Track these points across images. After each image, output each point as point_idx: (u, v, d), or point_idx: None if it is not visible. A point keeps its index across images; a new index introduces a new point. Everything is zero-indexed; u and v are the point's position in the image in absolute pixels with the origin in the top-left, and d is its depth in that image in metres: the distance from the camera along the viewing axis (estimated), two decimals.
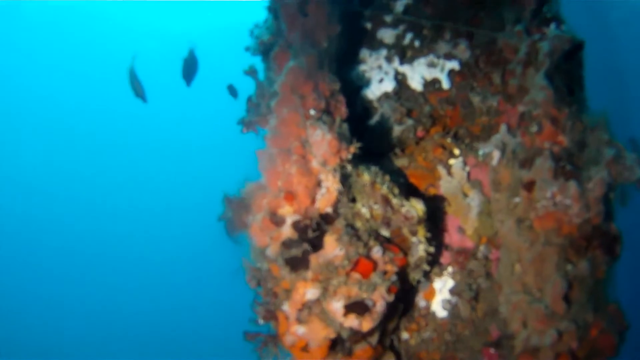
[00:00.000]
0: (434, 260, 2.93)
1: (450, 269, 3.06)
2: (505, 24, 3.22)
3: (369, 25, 3.48)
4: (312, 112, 2.61)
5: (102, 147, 32.48)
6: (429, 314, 3.04)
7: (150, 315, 26.57)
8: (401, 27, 3.45)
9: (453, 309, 3.01)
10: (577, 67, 3.02)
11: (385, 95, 3.34)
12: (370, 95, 3.37)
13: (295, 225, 2.46)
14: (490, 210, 2.99)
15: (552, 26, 2.94)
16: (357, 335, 2.56)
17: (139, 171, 32.85)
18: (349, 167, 2.61)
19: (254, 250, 2.64)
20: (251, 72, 3.29)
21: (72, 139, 31.79)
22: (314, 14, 2.90)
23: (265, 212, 2.50)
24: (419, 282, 2.82)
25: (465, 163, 3.13)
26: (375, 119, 3.27)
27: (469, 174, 3.12)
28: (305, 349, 2.50)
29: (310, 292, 2.43)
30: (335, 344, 2.56)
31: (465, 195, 3.08)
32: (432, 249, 2.71)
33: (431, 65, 3.40)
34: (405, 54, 3.44)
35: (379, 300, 2.43)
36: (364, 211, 2.66)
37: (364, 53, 3.46)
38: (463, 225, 3.07)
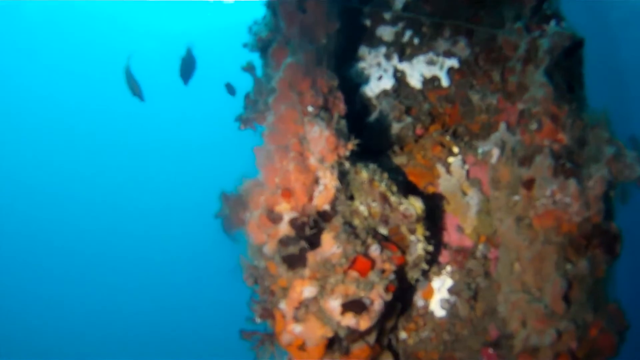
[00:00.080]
0: (432, 259, 2.91)
1: (448, 268, 3.04)
2: (505, 21, 3.20)
3: (368, 23, 3.46)
4: (310, 108, 2.59)
5: (101, 147, 32.48)
6: (428, 314, 3.02)
7: (149, 315, 26.57)
8: (400, 25, 3.43)
9: (452, 309, 2.99)
10: (577, 64, 3.00)
11: (384, 93, 3.32)
12: (369, 93, 3.35)
13: (293, 222, 2.44)
14: (490, 209, 2.97)
15: (552, 23, 2.92)
16: (355, 334, 2.54)
17: (138, 170, 32.86)
18: (347, 164, 2.58)
19: (251, 247, 2.62)
20: (249, 68, 3.27)
21: (72, 139, 31.80)
22: (312, 11, 2.88)
23: (263, 209, 2.48)
24: (417, 281, 2.80)
25: (464, 161, 3.11)
26: (374, 116, 3.25)
27: (468, 172, 3.10)
28: (302, 347, 2.47)
29: (308, 290, 2.41)
30: (332, 343, 2.54)
31: (464, 193, 3.06)
32: (430, 248, 2.69)
33: (430, 62, 3.38)
34: (404, 52, 3.42)
35: (377, 299, 2.41)
36: (362, 209, 2.64)
37: (363, 50, 3.44)
38: (462, 224, 3.04)
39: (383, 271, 2.47)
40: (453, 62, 3.34)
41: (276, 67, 2.80)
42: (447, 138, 3.19)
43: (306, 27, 2.85)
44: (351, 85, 3.34)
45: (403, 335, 3.00)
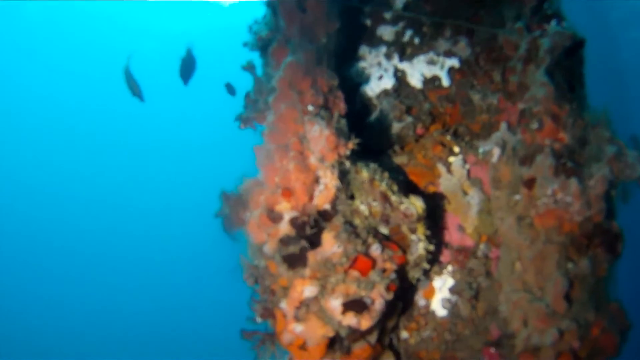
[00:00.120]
0: (433, 259, 2.90)
1: (450, 267, 3.03)
2: (506, 21, 3.20)
3: (368, 22, 3.46)
4: (310, 107, 2.58)
5: (100, 146, 32.48)
6: (429, 313, 3.02)
7: (149, 315, 26.56)
8: (401, 24, 3.43)
9: (453, 308, 2.98)
10: (577, 64, 3.00)
11: (385, 93, 3.32)
12: (369, 92, 3.34)
13: (293, 221, 2.43)
14: (491, 209, 2.96)
15: (553, 23, 2.92)
16: (356, 334, 2.54)
17: (138, 170, 32.86)
18: (348, 164, 2.58)
19: (251, 247, 2.61)
20: (249, 67, 3.26)
21: (72, 139, 31.79)
22: (312, 10, 2.87)
23: (263, 208, 2.47)
24: (418, 280, 2.79)
25: (465, 161, 3.10)
26: (374, 116, 3.25)
27: (468, 171, 3.09)
28: (303, 347, 2.47)
29: (308, 290, 2.40)
30: (333, 343, 2.53)
31: (465, 193, 3.06)
32: (432, 247, 2.69)
33: (431, 62, 3.37)
34: (405, 51, 3.41)
35: (378, 298, 2.40)
36: (363, 208, 2.63)
37: (364, 50, 3.43)
38: (463, 223, 3.04)
39: (384, 270, 2.46)
40: (454, 62, 3.34)
41: (276, 66, 2.80)
42: (448, 138, 3.18)
43: (306, 26, 2.85)
44: (352, 84, 3.34)
45: (404, 334, 3.00)
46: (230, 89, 6.93)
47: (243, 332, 2.70)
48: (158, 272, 28.78)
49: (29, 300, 26.68)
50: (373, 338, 2.64)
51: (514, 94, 2.99)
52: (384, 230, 2.65)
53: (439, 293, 3.01)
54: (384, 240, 2.58)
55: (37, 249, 29.17)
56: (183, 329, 26.07)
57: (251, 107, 3.23)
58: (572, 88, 2.85)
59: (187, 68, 6.84)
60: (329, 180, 2.50)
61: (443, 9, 3.34)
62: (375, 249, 2.47)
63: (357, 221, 2.59)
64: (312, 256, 2.42)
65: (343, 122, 2.59)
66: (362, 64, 3.40)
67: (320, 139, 2.46)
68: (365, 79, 3.36)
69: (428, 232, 2.69)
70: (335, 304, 2.38)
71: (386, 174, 2.72)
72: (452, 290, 3.00)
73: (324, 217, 2.52)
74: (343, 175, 2.57)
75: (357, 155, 2.69)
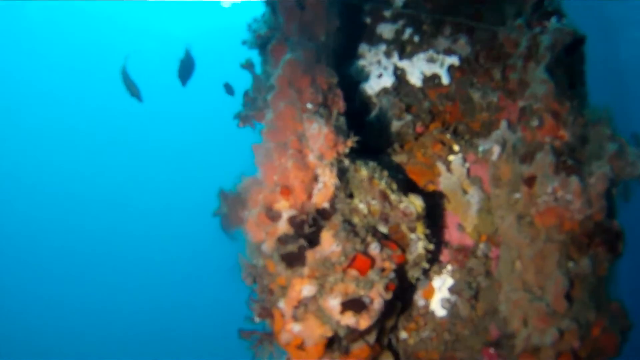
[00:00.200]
0: (433, 258, 2.88)
1: (449, 267, 3.01)
2: (506, 18, 3.18)
3: (368, 20, 3.44)
4: (309, 105, 2.56)
5: (100, 146, 32.49)
6: (428, 313, 2.99)
7: (149, 314, 26.55)
8: (400, 22, 3.42)
9: (452, 308, 2.96)
10: (578, 61, 2.98)
11: (384, 91, 3.30)
12: (369, 91, 3.32)
13: (291, 220, 2.41)
14: (490, 207, 2.94)
15: (554, 20, 2.90)
16: (354, 334, 2.51)
17: (137, 170, 32.85)
18: (347, 162, 2.56)
19: (249, 246, 2.59)
20: (248, 65, 3.25)
21: (71, 138, 31.80)
22: (311, 8, 2.86)
23: (261, 207, 2.46)
24: (417, 280, 2.77)
25: (465, 159, 3.08)
26: (373, 114, 3.23)
27: (468, 170, 3.07)
28: (301, 347, 2.45)
29: (307, 289, 2.38)
30: (331, 343, 2.51)
31: (465, 192, 3.04)
32: (431, 246, 2.66)
33: (431, 60, 3.36)
34: (404, 49, 3.40)
35: (377, 297, 2.38)
36: (362, 207, 2.61)
37: (363, 48, 3.42)
38: (463, 222, 3.02)
39: (383, 270, 2.44)
40: (453, 60, 3.32)
41: (275, 64, 2.78)
42: (448, 136, 3.16)
43: (305, 24, 2.83)
44: (351, 83, 3.32)
45: (403, 335, 2.98)
46: (229, 89, 6.92)
47: (241, 331, 2.69)
48: (157, 271, 28.76)
49: (28, 300, 26.67)
50: (372, 338, 2.61)
51: (514, 92, 2.97)
52: (383, 229, 2.63)
53: (439, 293, 2.99)
54: (383, 239, 2.56)
55: (36, 248, 29.16)
56: (182, 328, 26.05)
57: (250, 105, 3.22)
58: (573, 86, 2.83)
59: (186, 69, 6.83)
60: (327, 179, 2.48)
61: (443, 7, 3.33)
62: (374, 248, 2.45)
63: (356, 220, 2.57)
64: (311, 255, 2.40)
65: (342, 120, 2.57)
66: (361, 62, 3.38)
67: (319, 137, 2.44)
68: (365, 77, 3.34)
69: (427, 231, 2.67)
70: (333, 303, 2.36)
71: (385, 173, 2.70)
72: (452, 290, 2.97)
73: (322, 215, 2.50)
74: (342, 174, 2.56)
75: (357, 154, 2.67)
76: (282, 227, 2.43)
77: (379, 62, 3.37)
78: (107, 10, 26.23)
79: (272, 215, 2.44)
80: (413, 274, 2.70)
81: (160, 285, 27.92)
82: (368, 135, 3.07)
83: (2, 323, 24.58)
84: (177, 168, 33.36)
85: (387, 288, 2.41)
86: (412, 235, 2.63)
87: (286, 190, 2.44)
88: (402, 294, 2.84)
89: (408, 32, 3.40)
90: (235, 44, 3.80)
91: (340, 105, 2.69)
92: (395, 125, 3.16)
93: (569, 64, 2.86)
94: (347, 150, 2.52)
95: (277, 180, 2.47)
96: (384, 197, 2.60)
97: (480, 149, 3.09)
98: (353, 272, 2.39)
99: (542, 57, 2.72)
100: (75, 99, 31.35)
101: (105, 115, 31.54)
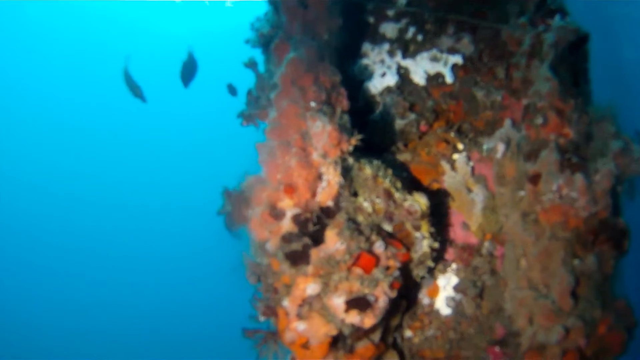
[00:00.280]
0: (438, 257, 2.87)
1: (454, 265, 3.00)
2: (509, 17, 3.18)
3: (371, 19, 3.44)
4: (312, 104, 2.56)
5: (102, 146, 32.53)
6: (433, 312, 2.99)
7: (151, 314, 26.55)
8: (404, 21, 3.41)
9: (457, 307, 2.95)
10: (582, 59, 2.98)
11: (388, 90, 3.30)
12: (372, 90, 3.32)
13: (296, 218, 2.41)
14: (495, 206, 2.93)
15: (557, 17, 2.89)
16: (359, 332, 2.50)
17: (139, 170, 32.88)
18: (351, 160, 2.55)
19: (253, 245, 2.59)
20: (251, 64, 3.25)
21: (73, 139, 31.84)
22: (314, 6, 2.86)
23: (265, 205, 2.45)
24: (422, 278, 2.76)
25: (469, 158, 3.08)
26: (377, 113, 3.22)
27: (473, 169, 3.07)
28: (305, 346, 2.44)
29: (311, 288, 2.38)
30: (336, 341, 2.50)
31: (470, 190, 3.03)
32: (436, 245, 2.65)
33: (434, 59, 3.35)
34: (408, 48, 3.39)
35: (381, 296, 2.37)
36: (366, 205, 2.61)
37: (366, 47, 3.42)
38: (467, 220, 3.01)
39: (387, 268, 2.44)
40: (457, 59, 3.31)
41: (278, 63, 2.78)
42: (452, 135, 3.15)
43: (308, 23, 2.83)
44: (354, 82, 3.32)
45: (408, 333, 2.97)
46: (232, 90, 6.93)
47: (245, 330, 2.68)
48: (160, 270, 28.78)
49: (29, 300, 26.68)
50: (376, 337, 2.61)
51: (518, 91, 2.97)
52: (387, 227, 2.62)
53: (443, 291, 2.99)
54: (388, 237, 2.55)
55: (37, 248, 29.20)
56: (185, 327, 26.03)
57: (253, 104, 3.22)
58: (577, 84, 2.83)
59: (188, 71, 6.84)
60: (331, 177, 2.48)
61: (446, 5, 3.33)
62: (379, 246, 2.44)
63: (360, 218, 2.57)
64: (315, 253, 2.39)
65: (346, 118, 2.57)
66: (365, 62, 3.38)
67: (323, 135, 2.44)
68: (368, 77, 3.34)
69: (432, 230, 2.66)
70: (338, 301, 2.35)
71: (390, 171, 2.69)
72: (457, 288, 2.97)
73: (326, 214, 2.50)
74: (346, 172, 2.55)
75: (361, 153, 2.66)
76: (286, 225, 2.42)
77: (382, 61, 3.37)
78: (107, 10, 26.30)
79: (276, 214, 2.44)
80: (418, 272, 2.69)
81: (164, 285, 27.94)
82: (372, 134, 3.06)
83: (2, 323, 24.61)
84: (179, 168, 33.38)
85: (391, 286, 2.41)
86: (417, 234, 2.62)
87: (290, 189, 2.44)
88: (407, 293, 2.83)
89: (411, 31, 3.40)
90: (239, 43, 3.80)
91: (344, 103, 2.69)
92: (399, 124, 3.15)
93: (572, 62, 2.86)
94: (351, 148, 2.51)
95: (281, 179, 2.47)
96: (389, 195, 2.60)
97: (485, 147, 3.08)
98: (358, 271, 2.38)
99: (546, 54, 2.71)
100: (78, 100, 31.41)
101: (106, 115, 31.58)
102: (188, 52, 6.80)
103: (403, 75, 3.34)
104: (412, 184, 2.96)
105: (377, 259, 2.42)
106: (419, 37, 3.40)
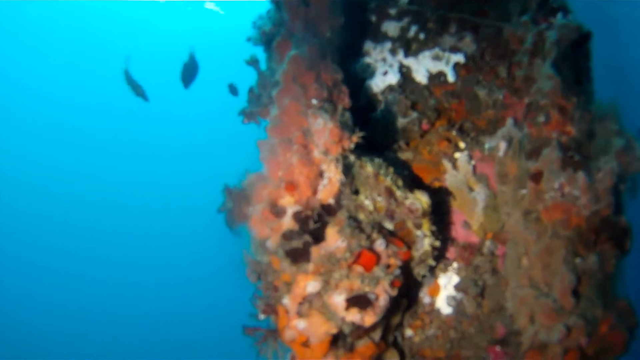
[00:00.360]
0: (439, 255, 2.86)
1: (455, 264, 2.99)
2: (512, 15, 3.17)
3: (373, 18, 3.44)
4: (314, 101, 2.55)
5: (103, 146, 32.55)
6: (434, 311, 2.98)
7: (152, 313, 26.54)
8: (406, 20, 3.41)
9: (458, 306, 2.94)
10: (584, 58, 2.97)
11: (390, 88, 3.29)
12: (374, 88, 3.32)
13: (296, 216, 2.40)
14: (496, 205, 2.92)
15: (559, 16, 2.89)
16: (359, 331, 2.49)
17: (140, 170, 32.91)
18: (352, 158, 2.54)
19: (254, 242, 2.58)
20: (252, 62, 3.24)
21: (74, 139, 31.87)
22: (316, 4, 2.85)
23: (266, 203, 2.44)
24: (423, 277, 2.75)
25: (470, 157, 3.07)
26: (379, 111, 3.22)
27: (474, 167, 3.06)
28: (305, 344, 2.43)
29: (311, 285, 2.36)
30: (336, 340, 2.49)
31: (471, 189, 3.02)
32: (437, 243, 2.64)
33: (436, 58, 3.35)
34: (410, 47, 3.39)
35: (382, 294, 2.36)
36: (367, 203, 2.60)
37: (368, 45, 3.41)
38: (469, 219, 3.00)
39: (388, 266, 2.42)
40: (459, 58, 3.31)
41: (280, 61, 2.77)
42: (454, 133, 3.14)
43: (310, 21, 2.83)
44: (356, 80, 3.31)
45: (409, 332, 2.96)
46: (233, 90, 6.93)
47: (245, 328, 2.67)
48: (160, 270, 28.79)
49: (29, 300, 26.68)
50: (377, 335, 2.60)
51: (520, 90, 2.96)
52: (388, 225, 2.61)
53: (444, 290, 2.98)
54: (389, 235, 2.54)
55: (38, 248, 29.20)
56: (185, 326, 26.02)
57: (255, 101, 3.21)
58: (579, 82, 2.82)
59: (189, 73, 6.83)
60: (333, 174, 2.47)
61: (448, 5, 3.32)
62: (380, 245, 2.43)
63: (361, 216, 2.56)
64: (316, 251, 2.38)
65: (347, 115, 2.56)
66: (366, 60, 3.37)
67: (324, 132, 2.43)
68: (370, 75, 3.34)
69: (434, 228, 2.65)
70: (338, 299, 2.34)
71: (391, 169, 2.68)
72: (458, 287, 2.96)
73: (327, 211, 2.49)
74: (347, 170, 2.54)
75: (362, 151, 2.65)
76: (287, 223, 2.42)
77: (384, 60, 3.36)
78: (107, 11, 26.32)
79: (277, 211, 2.43)
80: (419, 271, 2.68)
81: (164, 283, 27.96)
82: (374, 132, 3.06)
83: (2, 323, 24.60)
84: (179, 168, 33.41)
85: (392, 284, 2.40)
86: (418, 232, 2.61)
87: (291, 186, 2.43)
88: (408, 291, 2.82)
89: (413, 29, 3.39)
90: (240, 43, 3.79)
91: (345, 101, 2.68)
92: (401, 122, 3.15)
93: (575, 60, 2.85)
94: (352, 146, 2.50)
95: (282, 176, 2.46)
96: (390, 193, 2.59)
97: (487, 146, 3.07)
98: (358, 269, 2.37)
99: (548, 52, 2.71)
100: (76, 99, 31.44)
101: (107, 115, 31.62)
102: (189, 54, 6.80)
103: (405, 73, 3.33)
104: (413, 183, 2.95)
105: (378, 257, 2.41)
106: (421, 36, 3.39)
